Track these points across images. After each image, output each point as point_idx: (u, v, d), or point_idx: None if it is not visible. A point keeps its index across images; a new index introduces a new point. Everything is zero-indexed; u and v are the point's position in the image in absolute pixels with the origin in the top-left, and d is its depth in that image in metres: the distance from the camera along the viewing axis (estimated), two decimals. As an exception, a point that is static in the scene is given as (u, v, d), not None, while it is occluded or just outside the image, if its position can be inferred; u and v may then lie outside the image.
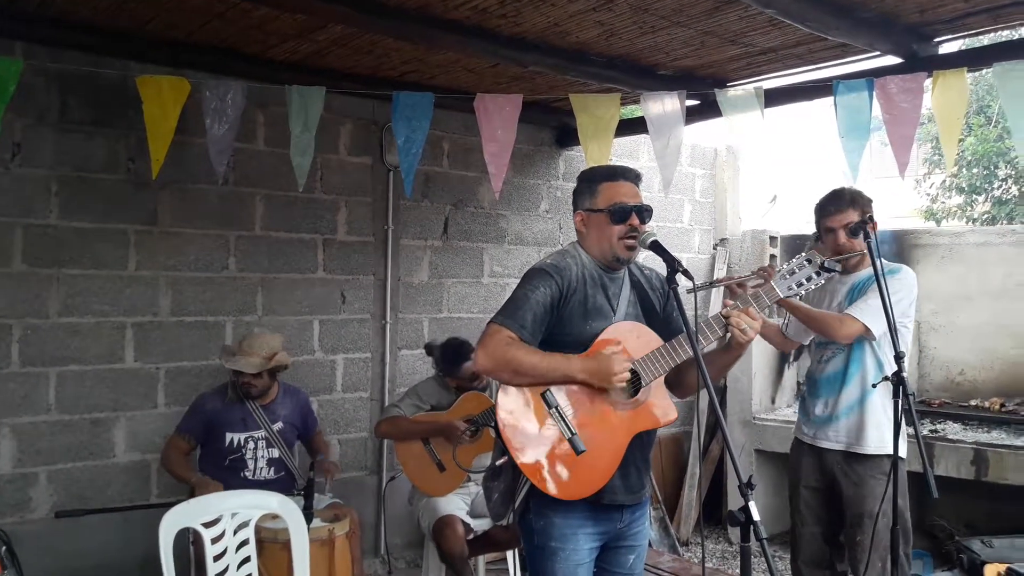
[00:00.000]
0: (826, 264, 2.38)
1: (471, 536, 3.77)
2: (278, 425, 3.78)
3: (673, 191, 6.24)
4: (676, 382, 2.44)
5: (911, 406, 2.66)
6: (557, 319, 2.32)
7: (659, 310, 2.50)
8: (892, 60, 3.75)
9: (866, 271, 3.18)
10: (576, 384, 2.26)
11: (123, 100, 3.89)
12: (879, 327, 3.06)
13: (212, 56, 3.99)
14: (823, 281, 2.39)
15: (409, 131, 3.48)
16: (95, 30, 3.70)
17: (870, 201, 3.25)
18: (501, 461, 2.34)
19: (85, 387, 3.96)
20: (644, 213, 2.38)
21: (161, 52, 3.90)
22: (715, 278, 2.88)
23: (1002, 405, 5.06)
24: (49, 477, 3.88)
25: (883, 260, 3.22)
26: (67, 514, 3.62)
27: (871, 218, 3.07)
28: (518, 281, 2.40)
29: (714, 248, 6.62)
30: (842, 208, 3.20)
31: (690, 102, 4.00)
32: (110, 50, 3.84)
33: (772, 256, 6.10)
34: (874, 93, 3.48)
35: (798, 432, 3.41)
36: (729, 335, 2.26)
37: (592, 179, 2.47)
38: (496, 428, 2.27)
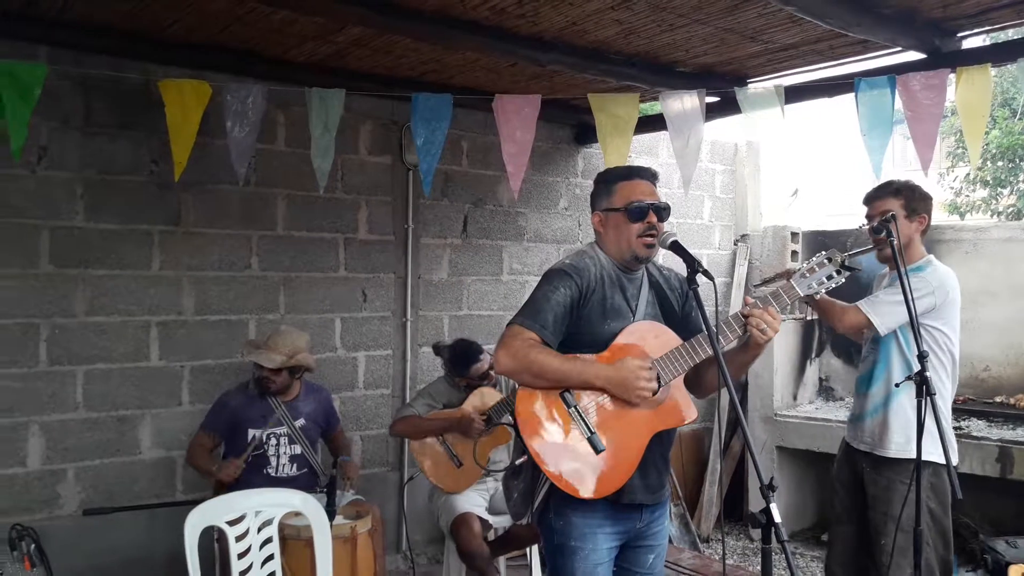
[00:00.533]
0: (847, 263, 2.36)
1: (490, 533, 3.79)
2: (300, 422, 3.81)
3: (693, 187, 6.19)
4: (695, 382, 2.45)
5: (935, 406, 2.61)
6: (576, 319, 2.32)
7: (678, 310, 2.50)
8: (914, 56, 3.70)
9: (909, 266, 3.06)
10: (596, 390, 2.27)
11: (146, 103, 3.94)
12: (885, 323, 3.01)
13: (233, 58, 4.02)
14: (843, 280, 2.37)
15: (428, 132, 3.49)
16: (116, 33, 3.73)
17: (926, 197, 3.15)
18: (521, 460, 2.36)
19: (111, 385, 4.02)
20: (661, 211, 2.38)
21: (182, 54, 3.93)
22: (783, 269, 2.90)
23: (1027, 402, 5.00)
24: (77, 474, 3.94)
25: (927, 257, 3.17)
26: (95, 511, 3.67)
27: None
28: (537, 279, 2.41)
29: (735, 244, 6.59)
30: (881, 196, 3.14)
31: (710, 99, 3.98)
32: (132, 53, 3.88)
33: (794, 252, 6.07)
34: (896, 90, 3.44)
35: (846, 429, 3.40)
36: (748, 334, 2.26)
37: (608, 179, 2.48)
38: (515, 427, 2.28)
